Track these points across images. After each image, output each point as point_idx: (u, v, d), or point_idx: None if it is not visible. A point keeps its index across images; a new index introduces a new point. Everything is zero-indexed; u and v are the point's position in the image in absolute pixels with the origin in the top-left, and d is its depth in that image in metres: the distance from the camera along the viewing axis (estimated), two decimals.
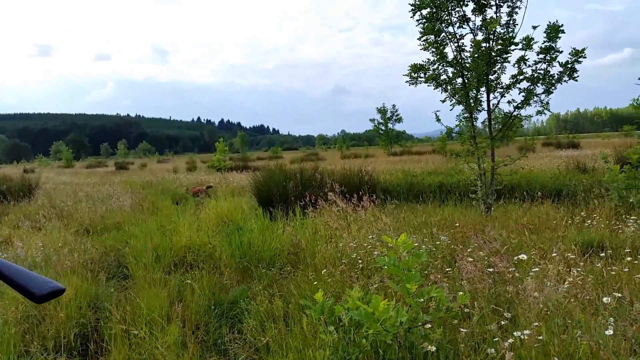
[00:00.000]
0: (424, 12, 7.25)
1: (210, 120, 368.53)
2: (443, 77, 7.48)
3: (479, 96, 7.29)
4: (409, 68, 7.59)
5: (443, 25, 7.29)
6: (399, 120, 47.35)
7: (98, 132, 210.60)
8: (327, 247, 4.60)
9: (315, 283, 3.70)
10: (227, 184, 13.78)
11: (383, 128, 46.97)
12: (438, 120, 7.53)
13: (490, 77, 7.16)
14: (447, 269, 3.71)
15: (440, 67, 7.47)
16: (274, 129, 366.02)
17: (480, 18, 7.21)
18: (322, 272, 3.88)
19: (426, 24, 7.22)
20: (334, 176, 9.00)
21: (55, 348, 3.25)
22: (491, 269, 3.13)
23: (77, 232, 8.22)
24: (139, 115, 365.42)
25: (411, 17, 7.37)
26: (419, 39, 7.39)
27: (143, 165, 40.85)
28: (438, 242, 4.53)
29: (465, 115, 7.50)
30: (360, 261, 4.16)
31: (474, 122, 7.48)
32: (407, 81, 7.68)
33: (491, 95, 7.32)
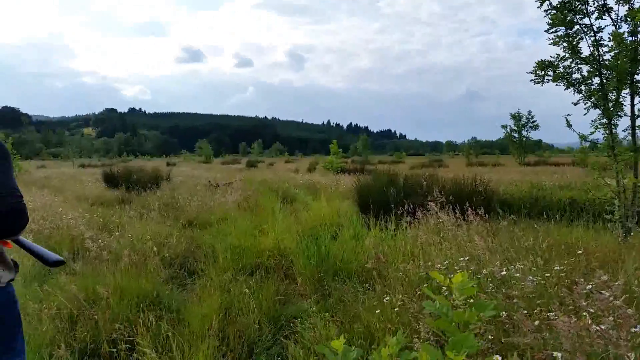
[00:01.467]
0: (554, 0, 6.23)
1: (338, 124, 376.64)
2: (575, 75, 6.36)
3: (620, 99, 6.05)
4: (535, 65, 6.58)
5: (577, 16, 6.20)
6: (535, 127, 43.21)
7: (237, 132, 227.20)
8: (407, 266, 3.99)
9: (377, 312, 3.13)
10: (337, 185, 13.55)
11: (516, 135, 43.33)
12: (569, 125, 6.42)
13: (636, 76, 5.90)
14: (548, 313, 2.86)
15: (572, 64, 6.37)
16: (400, 134, 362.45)
17: (626, 7, 6.00)
18: (384, 299, 3.29)
19: (555, 15, 6.19)
20: (443, 184, 8.21)
21: (84, 351, 3.15)
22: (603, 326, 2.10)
23: (183, 225, 8.55)
24: (275, 118, 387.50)
25: (538, 7, 6.40)
26: (547, 31, 6.37)
27: (270, 164, 42.80)
28: (548, 274, 3.66)
29: (602, 121, 6.28)
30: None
31: (613, 130, 6.23)
32: (532, 79, 6.69)
33: (636, 99, 6.04)
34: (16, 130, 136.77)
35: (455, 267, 3.81)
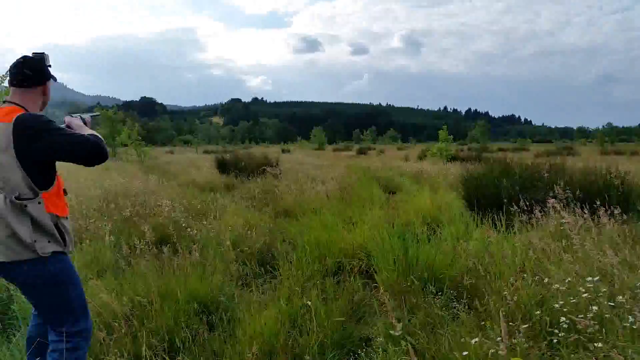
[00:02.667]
0: None
1: (456, 110, 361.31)
2: None
3: None
4: None
5: None
6: None
7: (352, 119, 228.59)
8: (511, 286, 3.13)
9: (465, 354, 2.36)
10: (446, 175, 12.45)
11: None
12: None
13: None
14: None
15: None
16: (525, 119, 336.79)
17: None
18: (473, 340, 2.46)
19: None
20: (569, 176, 6.91)
21: None
22: None
23: (277, 213, 8.29)
24: (389, 105, 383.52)
25: None
26: None
27: (381, 152, 41.95)
28: None
29: None
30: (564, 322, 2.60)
31: None
32: None
33: None
34: (152, 119, 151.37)
35: (580, 289, 2.88)
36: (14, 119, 2.07)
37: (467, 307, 3.42)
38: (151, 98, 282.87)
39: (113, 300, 3.11)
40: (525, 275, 3.35)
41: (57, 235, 2.22)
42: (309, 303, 3.16)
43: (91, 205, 7.26)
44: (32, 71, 2.24)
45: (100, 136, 2.28)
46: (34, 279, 2.18)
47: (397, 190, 11.71)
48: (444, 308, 3.46)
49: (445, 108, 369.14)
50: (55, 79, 2.38)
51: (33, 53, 2.31)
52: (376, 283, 4.22)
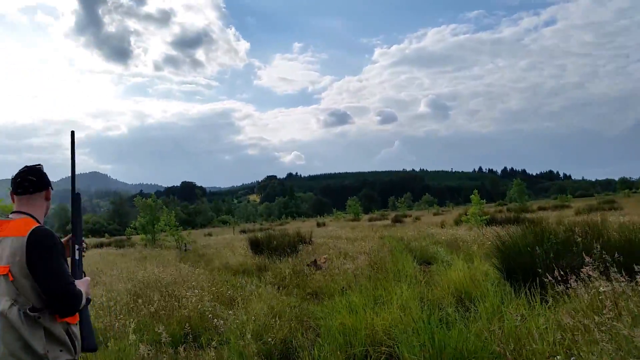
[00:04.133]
0: None
1: (492, 170, 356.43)
2: None
3: None
4: None
5: None
6: None
7: (387, 187, 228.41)
8: None
9: None
10: (482, 241, 12.01)
11: None
12: None
13: None
14: None
15: None
16: (564, 174, 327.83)
17: None
18: None
19: None
20: (607, 236, 6.53)
21: None
22: None
23: (306, 295, 8.12)
24: (422, 169, 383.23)
25: None
26: None
27: (417, 218, 41.38)
28: None
29: None
30: None
31: None
32: None
33: None
34: (192, 202, 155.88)
35: None
36: (28, 232, 2.17)
37: None
38: (191, 182, 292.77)
39: None
40: (557, 358, 3.07)
41: (69, 343, 2.24)
42: None
43: (120, 300, 7.33)
44: (35, 177, 2.40)
45: (81, 302, 2.27)
46: None
47: (432, 260, 11.37)
48: None
49: (480, 169, 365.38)
50: (52, 188, 2.54)
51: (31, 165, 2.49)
52: None
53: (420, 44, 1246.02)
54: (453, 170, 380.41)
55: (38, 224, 2.27)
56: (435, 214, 51.85)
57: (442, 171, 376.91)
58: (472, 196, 19.22)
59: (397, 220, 40.14)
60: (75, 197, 2.68)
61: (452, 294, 6.35)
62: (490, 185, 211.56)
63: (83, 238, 2.67)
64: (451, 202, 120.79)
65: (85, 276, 2.58)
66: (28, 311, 2.10)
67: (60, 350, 2.18)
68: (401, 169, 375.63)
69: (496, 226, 16.07)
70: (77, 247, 2.58)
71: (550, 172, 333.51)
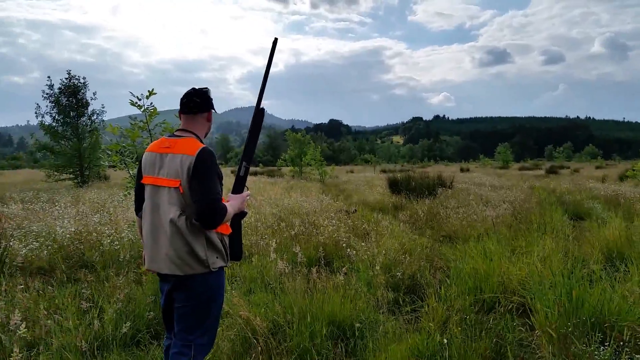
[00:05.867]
0: None
1: None
2: None
3: None
4: None
5: None
6: None
7: (545, 135, 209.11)
8: None
9: None
10: None
11: None
12: None
13: None
14: None
15: None
16: None
17: None
18: None
19: None
20: None
21: None
22: None
23: (441, 238, 8.03)
24: (589, 117, 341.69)
25: None
26: None
27: (575, 171, 37.48)
28: None
29: None
30: None
31: None
32: None
33: None
34: (337, 139, 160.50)
35: None
36: (197, 151, 2.42)
37: None
38: (338, 120, 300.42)
39: (254, 317, 3.38)
40: None
41: (224, 252, 2.56)
42: (445, 341, 2.98)
43: (266, 222, 8.03)
44: (200, 99, 2.60)
45: (223, 217, 2.40)
46: (202, 291, 2.49)
47: (585, 216, 10.34)
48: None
49: None
50: (216, 111, 2.75)
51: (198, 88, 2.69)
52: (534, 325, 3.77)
53: None
54: (625, 120, 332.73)
55: (203, 145, 2.50)
56: (597, 167, 46.35)
57: (612, 120, 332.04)
58: None
59: (551, 171, 36.80)
60: (259, 112, 2.72)
61: (601, 252, 5.75)
62: None
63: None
64: (618, 156, 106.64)
65: (247, 190, 2.75)
66: (194, 220, 2.38)
67: (217, 257, 2.49)
68: (564, 116, 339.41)
69: None
70: (244, 163, 2.72)
71: None
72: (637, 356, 2.96)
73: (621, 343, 3.13)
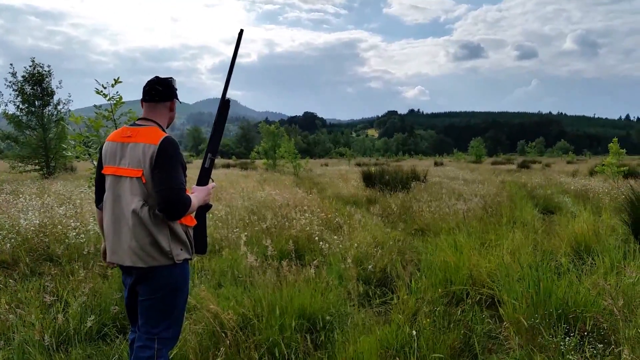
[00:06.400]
0: None
1: None
2: None
3: None
4: None
5: None
6: None
7: (517, 130, 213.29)
8: None
9: None
10: (615, 195, 10.78)
11: None
12: None
13: None
14: None
15: None
16: None
17: None
18: None
19: None
20: None
21: None
22: None
23: (413, 231, 8.07)
24: (561, 113, 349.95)
25: None
26: None
27: (547, 165, 38.37)
28: None
29: None
30: None
31: None
32: None
33: None
34: (312, 132, 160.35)
35: None
36: (159, 140, 2.34)
37: (600, 352, 2.92)
38: (313, 113, 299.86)
39: (223, 311, 3.33)
40: None
41: (189, 244, 2.49)
42: (415, 332, 2.99)
43: (238, 215, 7.93)
44: (162, 87, 2.52)
45: (187, 208, 2.35)
46: (166, 284, 2.42)
47: (555, 210, 10.56)
48: (572, 352, 2.98)
49: (628, 117, 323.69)
50: (179, 101, 2.66)
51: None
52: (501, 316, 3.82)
53: None
54: (596, 116, 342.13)
55: (166, 134, 2.43)
56: (568, 162, 47.54)
57: (583, 117, 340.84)
58: (610, 144, 17.03)
59: (523, 165, 37.49)
60: (225, 103, 2.67)
61: (569, 245, 5.88)
62: (638, 136, 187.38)
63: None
64: (589, 152, 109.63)
65: (212, 182, 2.69)
66: (157, 211, 2.32)
67: (181, 249, 2.43)
68: (536, 111, 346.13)
69: (635, 180, 14.33)
70: (209, 155, 2.66)
71: None
72: (599, 345, 3.03)
73: (585, 333, 3.20)
